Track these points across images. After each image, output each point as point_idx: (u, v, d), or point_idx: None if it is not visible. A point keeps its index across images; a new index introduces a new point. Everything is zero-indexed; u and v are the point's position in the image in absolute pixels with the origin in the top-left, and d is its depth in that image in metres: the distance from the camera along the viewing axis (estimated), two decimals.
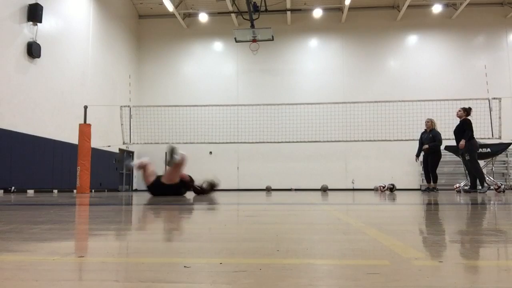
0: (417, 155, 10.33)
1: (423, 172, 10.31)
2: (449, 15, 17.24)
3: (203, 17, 17.73)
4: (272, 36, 13.97)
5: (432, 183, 9.85)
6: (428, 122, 10.24)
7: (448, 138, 11.43)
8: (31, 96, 10.80)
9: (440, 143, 9.96)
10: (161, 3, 16.28)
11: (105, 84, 15.04)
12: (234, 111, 15.41)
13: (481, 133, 11.41)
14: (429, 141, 9.91)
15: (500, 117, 11.14)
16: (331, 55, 17.63)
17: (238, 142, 14.43)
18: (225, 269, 0.96)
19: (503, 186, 9.73)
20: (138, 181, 17.79)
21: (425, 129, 10.25)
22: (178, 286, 0.81)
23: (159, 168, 17.47)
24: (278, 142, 13.42)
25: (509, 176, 15.96)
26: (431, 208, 3.55)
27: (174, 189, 6.88)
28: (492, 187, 9.65)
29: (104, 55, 15.03)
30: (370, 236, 1.54)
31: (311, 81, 17.33)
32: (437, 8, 16.93)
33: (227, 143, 14.50)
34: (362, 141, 13.60)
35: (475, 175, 8.93)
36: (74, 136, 11.32)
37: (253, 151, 16.28)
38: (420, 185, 15.35)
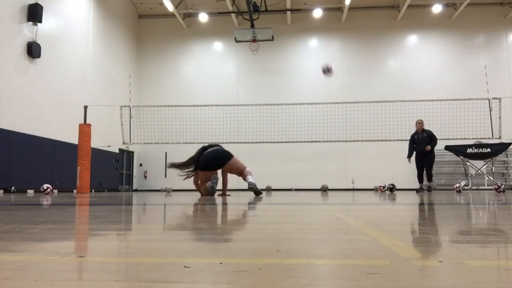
0: (409, 156, 10.24)
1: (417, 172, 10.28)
2: (449, 15, 17.24)
3: (203, 17, 17.73)
4: (272, 36, 13.96)
5: (428, 182, 9.88)
6: (420, 123, 10.15)
7: (447, 138, 11.46)
8: (31, 96, 10.80)
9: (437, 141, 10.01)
10: (161, 3, 16.29)
11: (105, 84, 15.05)
12: (234, 111, 15.40)
13: (481, 133, 11.41)
14: (425, 141, 9.86)
15: (500, 117, 11.13)
16: (331, 55, 17.62)
17: (238, 142, 14.41)
18: (225, 269, 0.96)
19: (503, 186, 9.72)
20: (138, 181, 17.79)
21: (416, 131, 10.17)
22: (178, 286, 0.81)
23: (159, 168, 17.48)
24: (278, 142, 13.42)
25: (509, 176, 15.96)
26: (431, 208, 3.55)
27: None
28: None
29: (104, 55, 15.03)
30: (370, 236, 1.54)
31: (311, 81, 17.33)
32: (437, 8, 16.94)
33: (227, 143, 14.45)
34: (362, 141, 13.60)
35: None
36: (74, 136, 11.31)
37: (253, 151, 16.27)
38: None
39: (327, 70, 8.50)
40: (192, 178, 7.14)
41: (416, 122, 10.28)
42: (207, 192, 6.90)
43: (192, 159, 7.09)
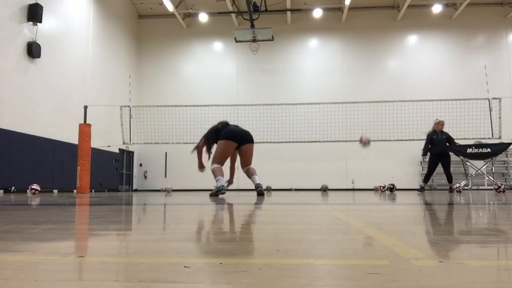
0: (425, 155, 10.15)
1: (425, 172, 10.22)
2: (449, 15, 17.24)
3: (203, 17, 17.73)
4: (272, 36, 13.97)
5: (449, 183, 9.86)
6: (442, 124, 9.96)
7: None
8: (31, 96, 10.80)
9: None
10: (161, 3, 16.29)
11: (105, 84, 15.05)
12: (234, 111, 15.39)
13: (481, 133, 11.41)
14: (444, 142, 9.83)
15: (500, 117, 11.13)
16: (331, 55, 17.63)
17: None
18: (225, 269, 0.96)
19: (503, 186, 9.72)
20: (138, 181, 17.79)
21: (435, 131, 10.01)
22: (178, 286, 0.81)
23: (159, 168, 17.46)
24: (278, 142, 13.41)
25: (509, 176, 15.96)
26: (431, 208, 3.55)
27: None
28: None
29: (104, 55, 15.03)
30: (370, 236, 1.54)
31: (311, 81, 17.33)
32: (437, 8, 16.94)
33: None
34: None
35: None
36: (74, 136, 11.32)
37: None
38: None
39: (367, 142, 8.82)
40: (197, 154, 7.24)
41: (439, 123, 10.00)
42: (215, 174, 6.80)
43: (210, 130, 7.18)
